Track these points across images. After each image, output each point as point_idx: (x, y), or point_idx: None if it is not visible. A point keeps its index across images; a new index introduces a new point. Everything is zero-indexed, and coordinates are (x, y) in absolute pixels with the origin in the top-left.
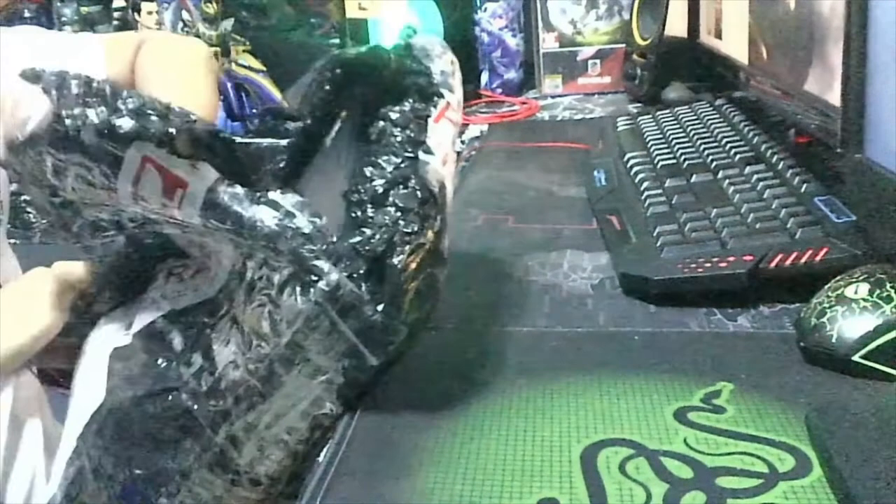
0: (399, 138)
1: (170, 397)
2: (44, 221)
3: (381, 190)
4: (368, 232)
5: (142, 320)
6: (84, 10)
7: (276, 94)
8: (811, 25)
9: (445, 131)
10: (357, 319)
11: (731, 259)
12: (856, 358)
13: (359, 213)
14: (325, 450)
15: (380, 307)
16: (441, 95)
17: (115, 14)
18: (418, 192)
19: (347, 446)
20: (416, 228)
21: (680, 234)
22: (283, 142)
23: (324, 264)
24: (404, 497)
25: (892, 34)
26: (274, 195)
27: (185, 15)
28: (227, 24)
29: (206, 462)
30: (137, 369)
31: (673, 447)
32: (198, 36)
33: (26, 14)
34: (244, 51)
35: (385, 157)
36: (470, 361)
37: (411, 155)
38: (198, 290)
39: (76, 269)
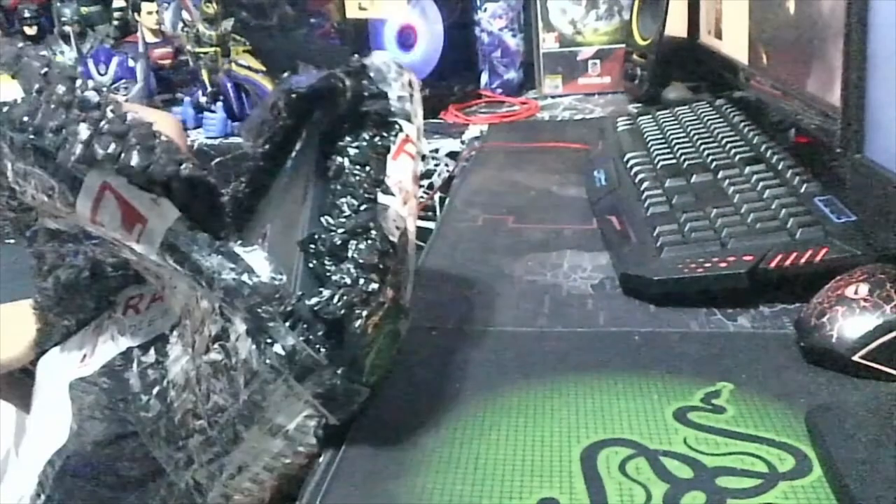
0: (358, 177)
1: (131, 441)
2: None
3: (339, 241)
4: (327, 294)
5: (102, 356)
6: (84, 10)
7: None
8: (811, 25)
9: (405, 167)
10: (316, 383)
11: (731, 259)
12: (856, 358)
13: (316, 265)
14: (324, 450)
15: (339, 371)
16: (399, 127)
17: (115, 14)
18: (378, 244)
19: (347, 447)
20: (375, 288)
21: (680, 234)
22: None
23: (279, 327)
24: (404, 497)
25: (892, 34)
26: (235, 247)
27: (185, 15)
28: (227, 24)
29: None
30: (98, 411)
31: (673, 447)
32: (198, 36)
33: (26, 14)
34: (244, 51)
35: (343, 199)
36: (470, 361)
37: (370, 196)
38: (152, 324)
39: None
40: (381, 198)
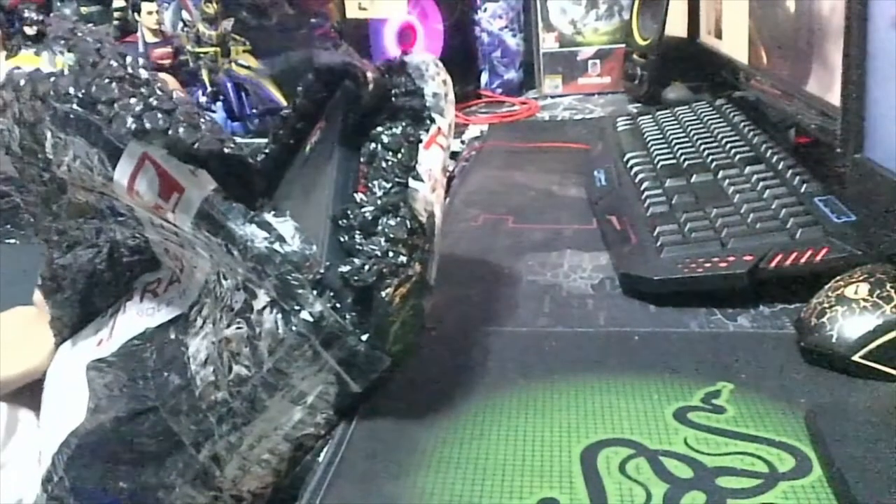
0: (390, 163)
1: (150, 416)
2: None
3: (370, 217)
4: (358, 262)
5: (119, 338)
6: (84, 9)
7: (276, 94)
8: (811, 25)
9: (435, 157)
10: (340, 349)
11: (731, 259)
12: (856, 358)
13: (346, 239)
14: (324, 450)
15: (364, 338)
16: (432, 120)
17: (115, 14)
18: (408, 223)
19: (347, 447)
20: (404, 260)
21: (680, 234)
22: (264, 140)
23: (308, 294)
24: (404, 497)
25: (892, 34)
26: (268, 216)
27: (185, 15)
28: (227, 24)
29: (188, 479)
30: (117, 388)
31: (673, 447)
32: (198, 36)
33: (26, 14)
34: (244, 51)
35: (375, 181)
36: (470, 361)
37: (402, 181)
38: (171, 305)
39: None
40: (412, 183)
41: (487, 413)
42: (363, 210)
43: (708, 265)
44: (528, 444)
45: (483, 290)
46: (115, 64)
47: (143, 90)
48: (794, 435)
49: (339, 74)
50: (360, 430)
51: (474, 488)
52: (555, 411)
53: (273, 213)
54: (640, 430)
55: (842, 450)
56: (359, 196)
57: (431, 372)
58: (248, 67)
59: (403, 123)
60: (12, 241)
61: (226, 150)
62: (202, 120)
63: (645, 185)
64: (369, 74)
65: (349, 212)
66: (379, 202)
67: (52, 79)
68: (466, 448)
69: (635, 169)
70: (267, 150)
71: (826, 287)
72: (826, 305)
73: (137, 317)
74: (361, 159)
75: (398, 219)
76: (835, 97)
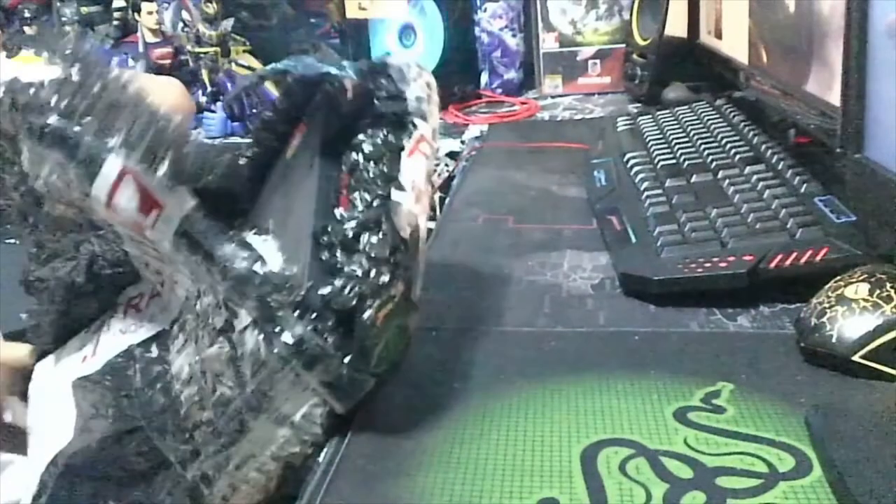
0: (371, 173)
1: (137, 435)
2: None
3: (351, 234)
4: (339, 283)
5: (103, 355)
6: (84, 10)
7: (277, 94)
8: (811, 25)
9: (419, 165)
10: (323, 372)
11: (731, 259)
12: (856, 358)
13: (328, 257)
14: (324, 450)
15: (347, 360)
16: (415, 126)
17: (116, 14)
18: (389, 239)
19: (347, 447)
20: (386, 280)
21: (680, 234)
22: (246, 141)
23: (289, 316)
24: (404, 497)
25: (892, 34)
26: (249, 235)
27: (185, 15)
28: (227, 24)
29: (178, 497)
30: (103, 408)
31: (673, 447)
32: (198, 36)
33: (26, 14)
34: (244, 51)
35: (356, 194)
36: (470, 361)
37: (383, 193)
38: (153, 321)
39: (21, 352)
40: (395, 194)
41: (487, 413)
42: (344, 227)
43: (708, 265)
44: (528, 445)
45: (483, 290)
46: (94, 78)
47: (123, 107)
48: (794, 435)
49: (315, 84)
50: (360, 431)
51: (474, 488)
52: (555, 411)
53: (254, 231)
54: (640, 430)
55: (842, 450)
56: (339, 211)
57: (431, 372)
58: (248, 67)
59: (385, 131)
60: (12, 241)
61: (206, 167)
62: (189, 141)
63: (645, 185)
64: (347, 83)
65: (329, 228)
66: (360, 216)
67: (32, 90)
68: (466, 448)
69: (635, 169)
70: (249, 154)
71: (826, 287)
72: (826, 305)
73: (121, 334)
74: (343, 168)
75: (380, 235)
76: (835, 97)
